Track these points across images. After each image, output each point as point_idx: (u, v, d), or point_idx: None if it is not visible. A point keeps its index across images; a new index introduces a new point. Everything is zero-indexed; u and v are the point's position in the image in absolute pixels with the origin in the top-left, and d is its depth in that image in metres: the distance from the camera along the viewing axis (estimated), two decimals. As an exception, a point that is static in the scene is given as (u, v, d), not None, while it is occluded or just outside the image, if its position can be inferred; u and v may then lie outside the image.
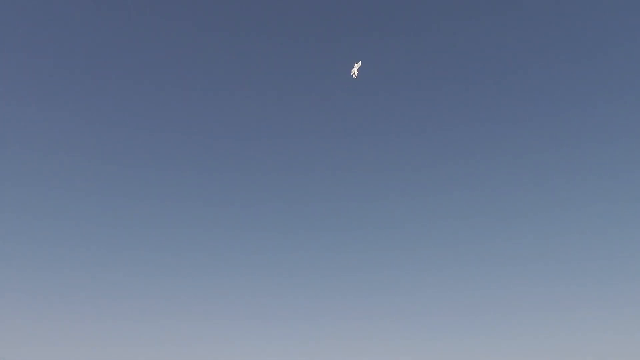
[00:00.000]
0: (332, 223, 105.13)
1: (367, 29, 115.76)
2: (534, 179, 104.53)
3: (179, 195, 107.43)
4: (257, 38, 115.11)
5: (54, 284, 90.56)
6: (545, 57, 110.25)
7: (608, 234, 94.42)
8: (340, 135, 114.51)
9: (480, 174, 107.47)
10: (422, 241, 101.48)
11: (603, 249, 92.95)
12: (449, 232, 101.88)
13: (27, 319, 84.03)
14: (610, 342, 78.76)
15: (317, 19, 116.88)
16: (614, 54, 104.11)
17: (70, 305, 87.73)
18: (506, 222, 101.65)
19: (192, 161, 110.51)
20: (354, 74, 65.78)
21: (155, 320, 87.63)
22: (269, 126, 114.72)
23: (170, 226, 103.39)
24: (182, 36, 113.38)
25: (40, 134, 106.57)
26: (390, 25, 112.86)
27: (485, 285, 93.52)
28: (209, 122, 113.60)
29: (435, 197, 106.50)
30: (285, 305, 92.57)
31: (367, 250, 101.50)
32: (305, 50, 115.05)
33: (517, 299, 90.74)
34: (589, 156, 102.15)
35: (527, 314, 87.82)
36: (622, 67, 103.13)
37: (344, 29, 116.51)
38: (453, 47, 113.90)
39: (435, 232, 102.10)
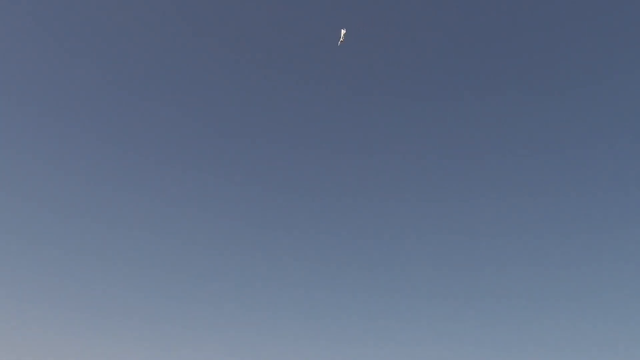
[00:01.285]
0: (332, 223, 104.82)
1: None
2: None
3: (179, 195, 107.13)
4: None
5: (50, 284, 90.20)
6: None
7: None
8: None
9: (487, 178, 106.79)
10: (422, 242, 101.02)
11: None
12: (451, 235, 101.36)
13: (24, 319, 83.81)
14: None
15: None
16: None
17: (66, 306, 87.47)
18: (509, 225, 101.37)
19: (192, 162, 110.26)
20: (341, 40, 61.39)
21: (155, 321, 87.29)
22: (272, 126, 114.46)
23: (169, 227, 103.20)
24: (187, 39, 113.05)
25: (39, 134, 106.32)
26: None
27: (485, 286, 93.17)
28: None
29: (437, 201, 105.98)
30: (285, 305, 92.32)
31: (366, 250, 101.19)
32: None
33: (518, 301, 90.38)
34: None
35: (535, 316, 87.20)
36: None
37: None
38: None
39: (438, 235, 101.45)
